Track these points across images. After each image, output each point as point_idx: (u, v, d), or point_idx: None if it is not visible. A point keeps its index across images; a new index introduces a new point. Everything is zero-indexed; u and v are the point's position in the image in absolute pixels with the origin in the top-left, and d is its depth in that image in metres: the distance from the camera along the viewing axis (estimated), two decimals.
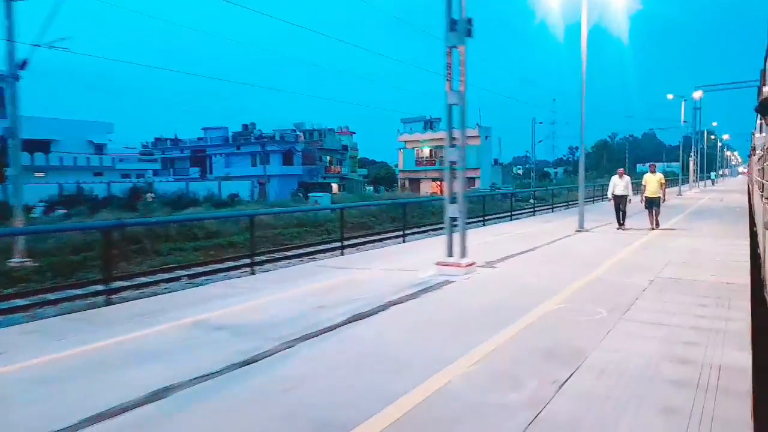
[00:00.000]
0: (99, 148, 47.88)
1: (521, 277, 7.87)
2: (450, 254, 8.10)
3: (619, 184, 14.00)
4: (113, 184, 37.26)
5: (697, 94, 32.63)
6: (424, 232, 23.39)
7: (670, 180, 54.45)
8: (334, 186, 62.03)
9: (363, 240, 20.94)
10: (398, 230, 18.91)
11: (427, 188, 61.82)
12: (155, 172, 63.21)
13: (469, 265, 7.98)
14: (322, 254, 16.73)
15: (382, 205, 28.22)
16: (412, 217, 30.33)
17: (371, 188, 58.93)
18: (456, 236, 8.14)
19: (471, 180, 59.82)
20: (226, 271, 14.69)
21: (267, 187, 54.43)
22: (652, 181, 13.47)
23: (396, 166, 69.39)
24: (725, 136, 73.89)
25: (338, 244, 14.73)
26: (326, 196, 33.15)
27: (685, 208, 21.51)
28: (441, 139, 61.58)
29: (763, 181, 6.75)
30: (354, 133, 73.91)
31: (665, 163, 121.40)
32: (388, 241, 20.21)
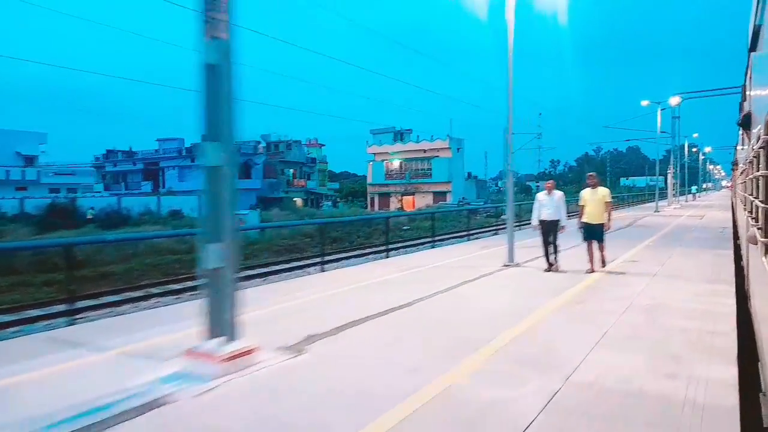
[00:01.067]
0: (29, 160, 43.89)
1: (325, 380, 4.32)
2: (214, 333, 4.57)
3: (546, 204, 9.48)
4: (35, 201, 33.38)
5: (674, 101, 29.74)
6: (351, 257, 19.93)
7: (650, 194, 52.33)
8: (298, 201, 58.48)
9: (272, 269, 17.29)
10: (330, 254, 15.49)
11: (396, 204, 58.47)
12: (106, 187, 59.32)
13: (240, 355, 4.46)
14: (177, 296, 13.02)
15: (292, 227, 24.70)
16: (350, 237, 26.89)
17: (329, 204, 55.17)
18: (249, 295, 4.63)
19: (442, 194, 56.65)
20: None
21: None
22: (593, 201, 9.22)
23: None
24: (707, 149, 71.64)
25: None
26: (253, 213, 29.55)
27: (658, 229, 18.24)
28: (412, 150, 58.43)
29: (746, 195, 6.22)
30: (323, 145, 70.60)
31: (647, 177, 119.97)
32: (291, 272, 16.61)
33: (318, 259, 14.03)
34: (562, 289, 7.68)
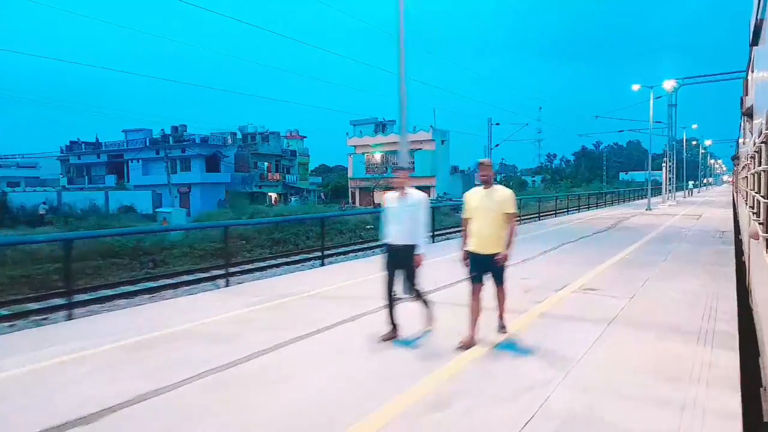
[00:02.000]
0: None
1: None
2: None
3: (397, 214, 5.26)
4: None
5: (669, 84, 26.47)
6: (279, 264, 16.72)
7: (642, 189, 49.36)
8: (274, 196, 55.29)
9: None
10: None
11: (379, 199, 55.23)
12: (70, 180, 56.14)
13: None
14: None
15: (244, 226, 21.53)
16: (296, 239, 23.50)
17: (296, 199, 51.74)
18: None
19: (425, 189, 53.40)
20: None
21: (190, 198, 47.61)
22: (485, 212, 5.07)
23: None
24: (708, 142, 68.31)
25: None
26: (179, 211, 26.34)
27: (643, 234, 15.04)
28: (394, 143, 55.16)
29: (747, 190, 6.10)
30: (305, 137, 67.28)
31: (647, 171, 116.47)
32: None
33: (221, 271, 10.75)
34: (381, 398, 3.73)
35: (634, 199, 46.95)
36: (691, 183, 46.58)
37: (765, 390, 3.50)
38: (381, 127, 57.62)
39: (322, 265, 11.90)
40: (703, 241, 13.04)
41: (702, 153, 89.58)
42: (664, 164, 29.64)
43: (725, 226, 17.20)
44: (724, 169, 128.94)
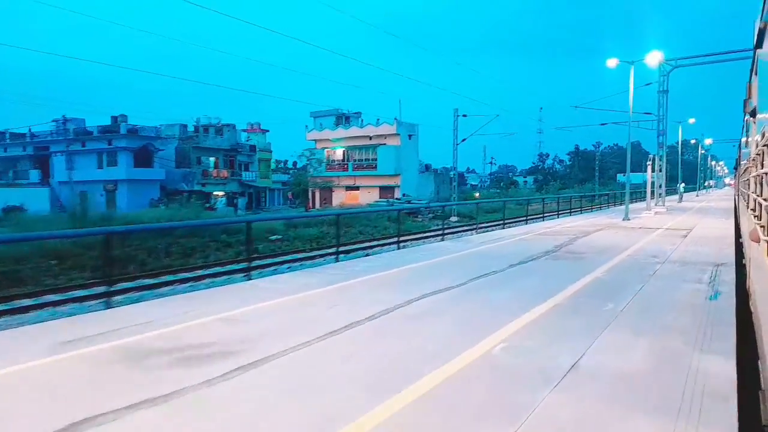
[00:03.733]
0: None
1: None
2: None
3: None
4: None
5: (654, 59, 20.71)
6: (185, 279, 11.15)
7: (637, 192, 43.47)
8: (220, 194, 49.65)
9: None
10: None
11: (340, 198, 49.65)
12: None
13: None
14: None
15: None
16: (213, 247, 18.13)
17: (223, 200, 45.73)
18: None
19: (389, 189, 47.84)
20: None
21: (117, 196, 42.02)
22: None
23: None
24: (708, 141, 62.62)
25: None
26: None
27: (587, 269, 9.31)
28: (356, 137, 49.59)
29: (749, 192, 6.11)
30: (267, 131, 61.65)
31: (644, 173, 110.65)
32: None
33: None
34: None
35: (622, 203, 41.28)
36: (681, 186, 40.69)
37: (764, 392, 3.52)
38: (344, 119, 52.00)
39: (249, 279, 6.27)
40: (679, 290, 7.37)
41: (702, 153, 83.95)
42: (649, 163, 23.98)
43: (723, 251, 11.56)
44: (726, 171, 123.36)
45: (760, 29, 4.01)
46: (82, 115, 54.78)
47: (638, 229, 17.00)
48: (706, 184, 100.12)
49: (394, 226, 31.69)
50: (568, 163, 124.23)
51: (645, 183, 41.65)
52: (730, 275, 8.47)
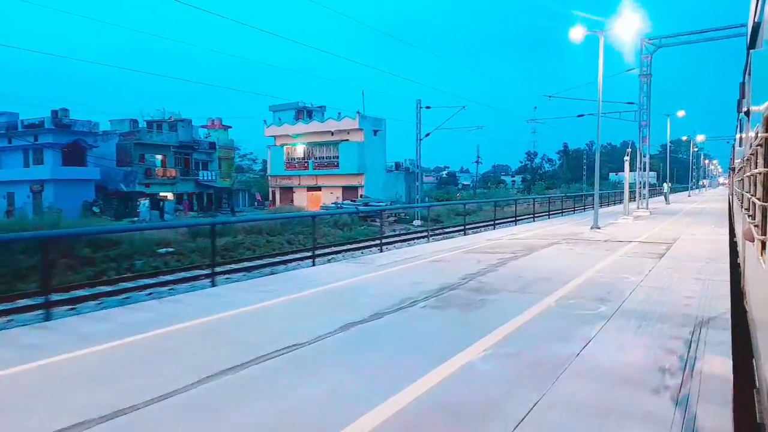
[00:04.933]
0: None
1: None
2: None
3: None
4: None
5: (630, 29, 16.58)
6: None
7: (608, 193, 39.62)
8: (169, 196, 45.43)
9: None
10: None
11: (302, 200, 45.56)
12: None
13: None
14: None
15: None
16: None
17: (146, 204, 40.87)
18: None
19: (352, 189, 43.76)
20: None
21: (43, 197, 37.74)
22: None
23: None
24: (700, 137, 58.89)
25: None
26: None
27: (485, 328, 5.23)
28: (317, 132, 45.39)
29: (743, 191, 6.03)
30: (229, 127, 57.38)
31: (633, 172, 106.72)
32: None
33: None
34: None
35: (606, 205, 37.49)
36: (666, 185, 36.65)
37: (758, 391, 3.49)
38: (307, 113, 47.84)
39: None
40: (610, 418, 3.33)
41: (694, 151, 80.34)
42: (626, 159, 19.95)
43: (713, 286, 7.56)
44: (720, 170, 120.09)
45: (752, 29, 4.12)
46: (26, 109, 50.56)
47: (603, 243, 12.98)
48: (700, 183, 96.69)
49: (342, 233, 27.70)
50: (558, 162, 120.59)
51: (632, 183, 37.76)
52: (724, 340, 4.49)
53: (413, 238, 24.83)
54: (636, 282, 7.90)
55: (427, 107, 33.70)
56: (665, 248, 11.83)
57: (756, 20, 3.69)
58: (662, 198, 35.75)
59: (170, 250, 17.74)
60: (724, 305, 6.29)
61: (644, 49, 23.99)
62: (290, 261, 17.53)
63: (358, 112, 42.32)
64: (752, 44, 4.21)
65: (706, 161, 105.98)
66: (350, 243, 22.47)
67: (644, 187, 25.31)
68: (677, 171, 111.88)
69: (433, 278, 8.36)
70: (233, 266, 16.17)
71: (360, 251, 21.01)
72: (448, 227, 33.25)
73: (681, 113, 34.81)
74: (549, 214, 32.53)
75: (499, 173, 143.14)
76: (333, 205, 36.86)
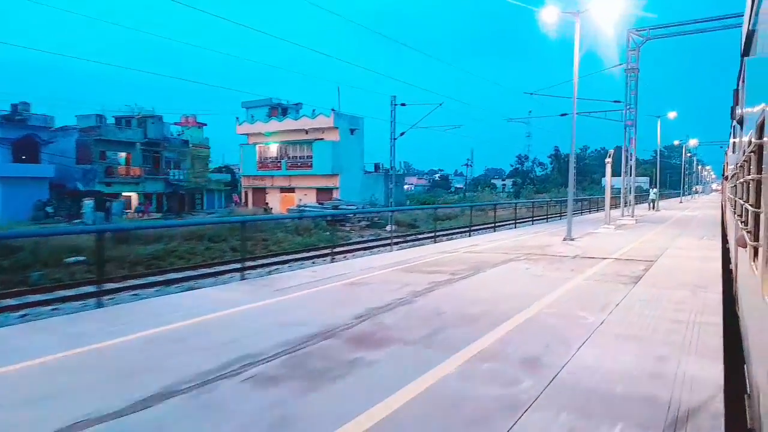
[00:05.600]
0: None
1: None
2: None
3: None
4: None
5: (617, 12, 14.30)
6: None
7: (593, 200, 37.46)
8: (133, 195, 42.99)
9: None
10: None
11: (275, 201, 43.25)
12: None
13: None
14: None
15: None
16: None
17: (89, 205, 37.95)
18: None
19: (326, 191, 41.49)
20: None
21: None
22: None
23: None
24: (692, 141, 57.03)
25: None
26: None
27: None
28: (291, 131, 42.98)
29: (736, 198, 6.10)
30: (204, 124, 55.00)
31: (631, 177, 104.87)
32: None
33: None
34: None
35: (594, 211, 35.48)
36: (653, 191, 34.50)
37: (749, 397, 3.49)
38: (281, 110, 45.52)
39: None
40: None
41: (687, 157, 78.62)
42: (608, 160, 17.72)
43: (703, 336, 5.35)
44: (714, 176, 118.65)
45: (746, 37, 4.14)
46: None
47: (571, 260, 10.77)
48: (693, 189, 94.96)
49: (301, 239, 25.43)
50: (549, 166, 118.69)
51: (618, 188, 35.76)
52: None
53: (375, 246, 22.59)
54: (593, 325, 5.68)
55: (402, 104, 31.50)
56: (644, 269, 9.64)
57: (750, 28, 3.79)
58: (652, 204, 33.65)
59: (81, 258, 15.41)
60: (715, 378, 4.08)
61: (631, 42, 21.87)
62: (218, 273, 15.23)
63: (333, 110, 40.01)
64: (746, 51, 4.30)
65: (699, 167, 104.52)
66: (299, 252, 20.20)
67: (630, 193, 23.15)
68: (670, 176, 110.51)
69: (321, 315, 6.12)
70: (143, 280, 13.84)
71: (311, 261, 18.76)
72: (423, 233, 31.06)
73: (672, 114, 32.77)
74: (533, 220, 30.50)
75: (493, 177, 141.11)
76: (296, 208, 34.58)
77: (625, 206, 23.46)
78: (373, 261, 11.42)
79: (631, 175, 22.64)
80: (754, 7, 3.47)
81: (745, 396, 3.57)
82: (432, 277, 8.77)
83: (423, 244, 19.64)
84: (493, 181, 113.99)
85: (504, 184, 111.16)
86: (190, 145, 52.16)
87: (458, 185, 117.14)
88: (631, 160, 22.80)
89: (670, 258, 11.22)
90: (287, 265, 17.19)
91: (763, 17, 3.11)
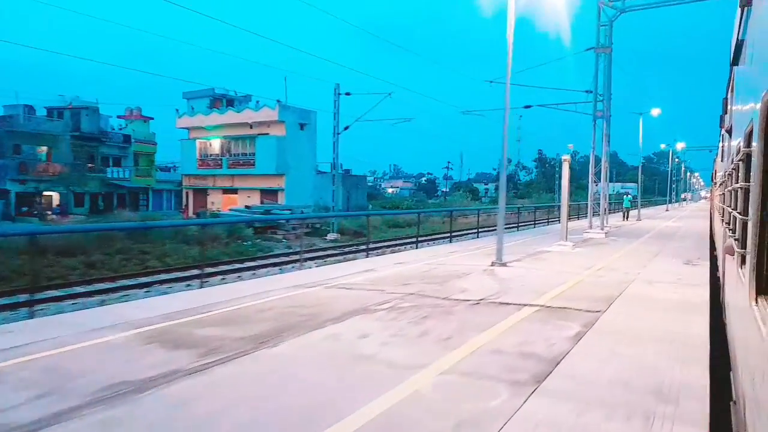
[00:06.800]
0: None
1: None
2: None
3: None
4: None
5: None
6: None
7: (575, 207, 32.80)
8: (55, 197, 38.33)
9: None
10: None
11: (217, 203, 38.73)
12: None
13: None
14: None
15: None
16: None
17: None
18: None
19: (271, 193, 37.10)
20: None
21: None
22: None
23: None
24: (680, 145, 53.37)
25: None
26: None
27: None
28: (235, 124, 38.09)
29: (724, 206, 6.40)
30: (151, 118, 50.33)
31: (620, 184, 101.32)
32: None
33: None
34: None
35: (580, 218, 31.45)
36: (628, 198, 30.28)
37: (735, 404, 3.53)
38: (226, 102, 41.06)
39: None
40: None
41: (675, 162, 75.16)
42: (565, 158, 13.44)
43: None
44: (702, 183, 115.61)
45: (735, 46, 4.24)
46: None
47: (470, 308, 6.52)
48: (681, 197, 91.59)
49: (198, 252, 21.00)
50: (535, 170, 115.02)
51: (616, 194, 31.63)
52: None
53: (283, 263, 18.29)
54: None
55: (347, 94, 27.26)
56: (575, 334, 5.40)
57: (739, 38, 3.96)
58: (626, 214, 29.53)
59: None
60: None
61: (602, 14, 17.78)
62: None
63: (278, 101, 35.61)
64: (735, 61, 4.55)
65: (689, 174, 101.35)
66: (155, 273, 15.74)
67: (604, 200, 18.98)
68: (658, 184, 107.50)
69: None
70: None
71: (167, 285, 14.37)
72: (364, 244, 26.84)
73: (656, 111, 28.78)
74: (519, 226, 26.77)
75: (482, 181, 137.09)
76: (227, 212, 30.17)
77: (592, 215, 19.33)
78: (171, 303, 7.19)
79: (603, 180, 18.50)
80: (743, 18, 3.65)
81: (731, 404, 3.61)
82: (176, 357, 4.49)
83: (355, 259, 15.76)
84: (476, 185, 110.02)
85: (487, 189, 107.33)
86: (133, 140, 47.54)
87: (443, 189, 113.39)
88: (603, 159, 18.67)
89: (628, 304, 7.02)
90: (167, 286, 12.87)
91: (753, 28, 3.24)
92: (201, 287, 10.04)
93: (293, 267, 16.65)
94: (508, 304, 6.93)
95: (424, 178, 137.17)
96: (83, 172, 39.87)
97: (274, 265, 17.91)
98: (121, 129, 47.86)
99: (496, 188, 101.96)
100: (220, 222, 24.57)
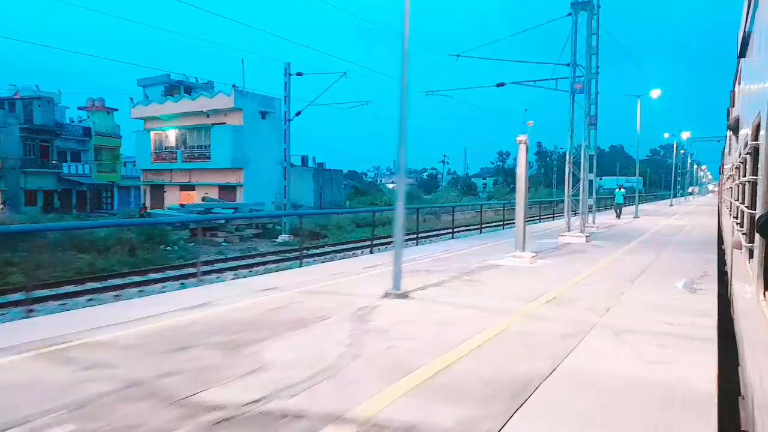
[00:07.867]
0: None
1: None
2: None
3: None
4: None
5: None
6: None
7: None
8: None
9: None
10: None
11: (174, 201, 35.28)
12: None
13: None
14: None
15: None
16: None
17: None
18: None
19: (229, 189, 33.56)
20: None
21: None
22: None
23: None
24: (685, 134, 49.39)
25: None
26: None
27: None
28: (191, 113, 33.72)
29: (731, 199, 6.19)
30: (115, 110, 46.85)
31: (624, 177, 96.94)
32: None
33: None
34: None
35: (557, 217, 28.05)
36: (620, 192, 26.25)
37: (743, 399, 3.50)
38: (183, 89, 37.45)
39: None
40: None
41: (682, 154, 71.07)
42: (520, 141, 9.81)
43: None
44: (710, 177, 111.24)
45: (743, 39, 4.15)
46: None
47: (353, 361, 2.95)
48: (689, 190, 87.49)
49: (88, 258, 17.66)
50: (535, 164, 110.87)
51: (618, 187, 28.01)
52: None
53: (177, 277, 14.76)
54: None
55: (299, 74, 23.67)
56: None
57: (746, 30, 3.89)
58: (618, 211, 25.72)
59: None
60: None
61: None
62: None
63: (234, 86, 32.01)
64: (742, 53, 4.46)
65: (696, 166, 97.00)
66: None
67: (590, 196, 15.27)
68: (665, 177, 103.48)
69: None
70: None
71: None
72: (324, 246, 23.30)
73: (655, 93, 24.94)
74: (504, 224, 23.19)
75: (484, 176, 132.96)
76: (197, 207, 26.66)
77: (569, 215, 15.65)
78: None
79: (583, 169, 14.80)
80: (750, 10, 3.57)
81: (740, 399, 3.53)
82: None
83: (286, 270, 12.42)
84: (474, 180, 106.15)
85: (485, 184, 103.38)
86: (94, 133, 44.14)
87: (443, 184, 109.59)
88: (583, 143, 14.94)
89: (554, 409, 3.38)
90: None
91: (760, 20, 3.20)
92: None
93: (181, 284, 13.15)
94: (288, 425, 3.33)
95: (426, 174, 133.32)
96: (40, 168, 36.45)
97: (169, 279, 14.40)
98: (81, 121, 44.48)
99: (495, 183, 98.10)
100: (117, 224, 21.09)
